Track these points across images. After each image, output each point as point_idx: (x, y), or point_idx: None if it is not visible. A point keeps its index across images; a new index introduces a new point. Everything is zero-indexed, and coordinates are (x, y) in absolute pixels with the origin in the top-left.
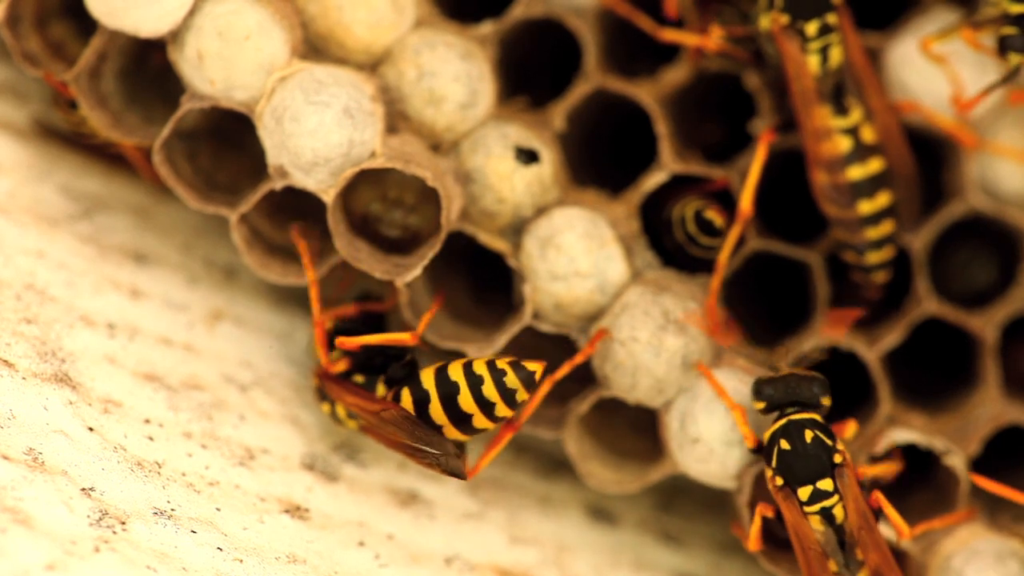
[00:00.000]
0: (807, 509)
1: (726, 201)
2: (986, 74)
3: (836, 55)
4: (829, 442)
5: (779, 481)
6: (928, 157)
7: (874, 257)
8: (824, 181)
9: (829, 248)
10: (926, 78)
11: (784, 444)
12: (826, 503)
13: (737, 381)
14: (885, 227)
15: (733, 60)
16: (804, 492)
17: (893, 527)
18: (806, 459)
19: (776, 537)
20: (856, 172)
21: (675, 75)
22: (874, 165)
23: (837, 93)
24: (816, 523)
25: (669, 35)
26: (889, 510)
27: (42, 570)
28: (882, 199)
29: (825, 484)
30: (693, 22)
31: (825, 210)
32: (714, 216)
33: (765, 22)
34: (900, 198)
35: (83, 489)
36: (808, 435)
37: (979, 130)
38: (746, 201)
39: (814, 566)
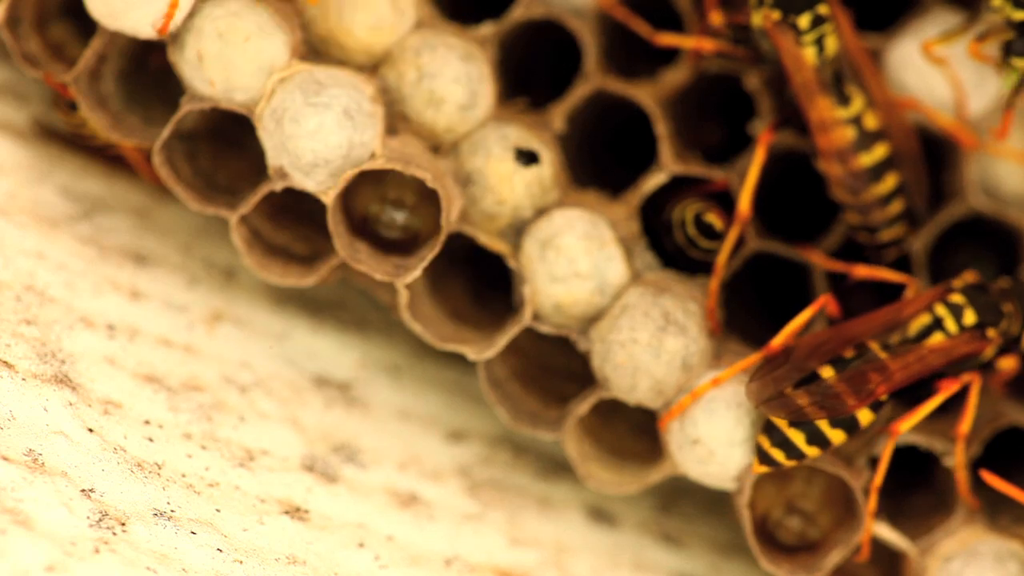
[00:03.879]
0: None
1: (726, 202)
2: (986, 78)
3: (832, 44)
4: None
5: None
6: (928, 157)
7: (887, 235)
8: (839, 172)
9: (831, 245)
10: (926, 79)
11: None
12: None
13: (738, 382)
14: (895, 207)
15: (732, 60)
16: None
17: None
18: None
19: (776, 539)
20: (863, 160)
21: (675, 76)
22: (879, 151)
23: (837, 82)
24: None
25: (665, 39)
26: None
27: (42, 571)
28: (890, 180)
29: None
30: (691, 24)
31: (838, 197)
32: (714, 219)
33: (757, 19)
34: (907, 179)
35: (83, 490)
36: None
37: (979, 131)
38: (744, 202)
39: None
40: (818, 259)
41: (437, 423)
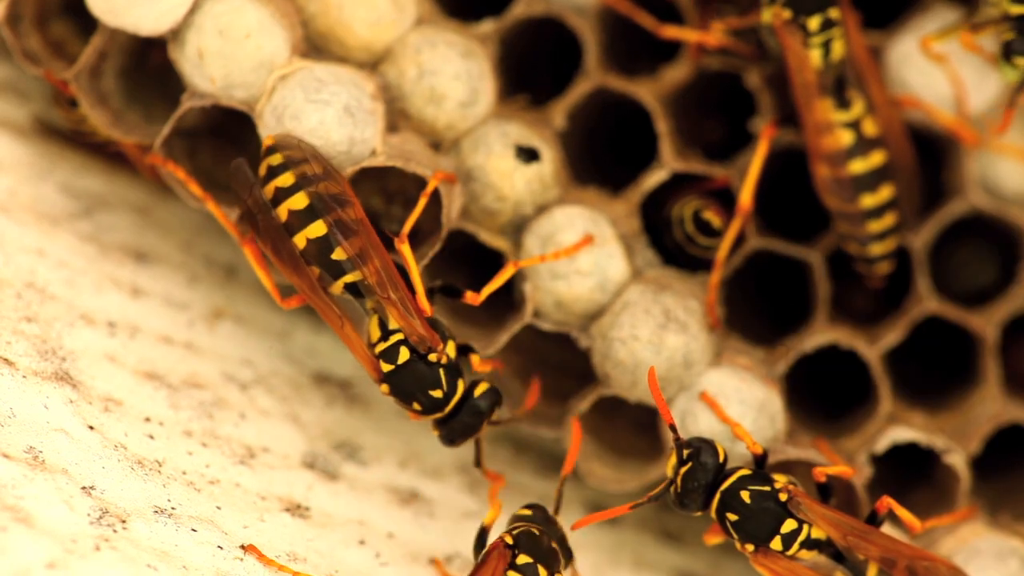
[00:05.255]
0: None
1: (727, 199)
2: (986, 74)
3: (838, 49)
4: None
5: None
6: (929, 155)
7: (877, 249)
8: (826, 175)
9: (831, 243)
10: (926, 76)
11: None
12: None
13: (739, 380)
14: (887, 220)
15: (734, 56)
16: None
17: (904, 524)
18: None
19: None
20: (858, 166)
21: (675, 73)
22: (876, 158)
23: (839, 87)
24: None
25: (670, 32)
26: (901, 511)
27: (43, 568)
28: (884, 192)
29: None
30: (694, 19)
31: (828, 203)
32: (712, 217)
33: (767, 16)
34: (901, 191)
35: (83, 488)
36: None
37: (980, 128)
38: (746, 196)
39: None
40: None
41: None
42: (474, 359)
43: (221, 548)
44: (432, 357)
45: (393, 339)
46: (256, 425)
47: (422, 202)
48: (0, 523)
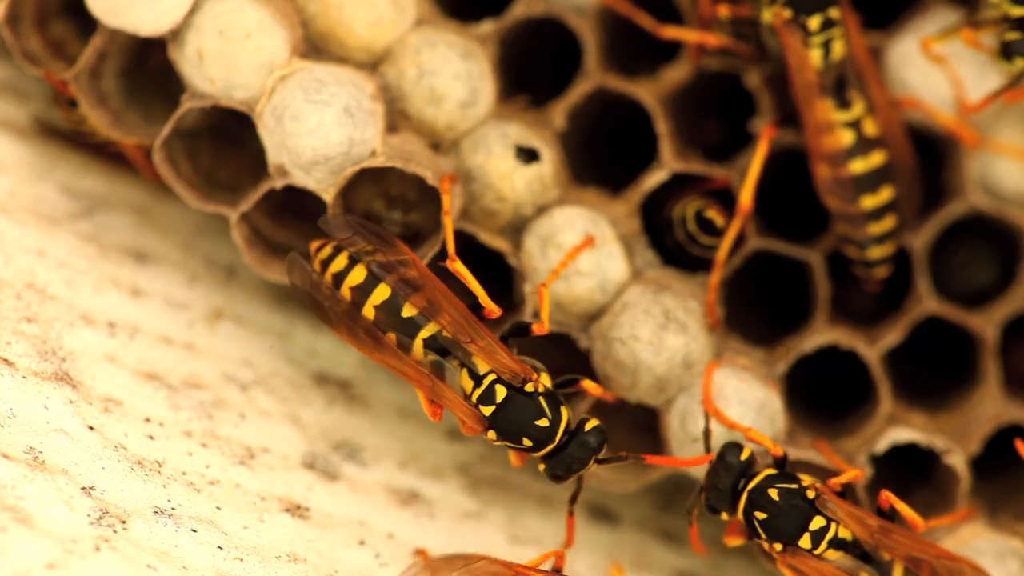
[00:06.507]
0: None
1: (727, 200)
2: (986, 75)
3: (838, 49)
4: None
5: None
6: (929, 155)
7: (876, 252)
8: (826, 175)
9: (831, 244)
10: (926, 77)
11: None
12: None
13: (738, 380)
14: (888, 222)
15: (734, 57)
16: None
17: (904, 519)
18: None
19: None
20: (858, 166)
21: (675, 74)
22: (876, 159)
23: (839, 87)
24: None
25: (670, 32)
26: (901, 506)
27: (43, 569)
28: (885, 194)
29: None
30: (693, 19)
31: (828, 204)
32: (715, 216)
33: (767, 16)
34: (901, 192)
35: (83, 488)
36: None
37: (980, 128)
38: (746, 196)
39: None
40: None
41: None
42: (586, 383)
43: (221, 548)
44: (529, 387)
45: (486, 381)
46: (256, 425)
47: (448, 221)
48: (0, 523)
